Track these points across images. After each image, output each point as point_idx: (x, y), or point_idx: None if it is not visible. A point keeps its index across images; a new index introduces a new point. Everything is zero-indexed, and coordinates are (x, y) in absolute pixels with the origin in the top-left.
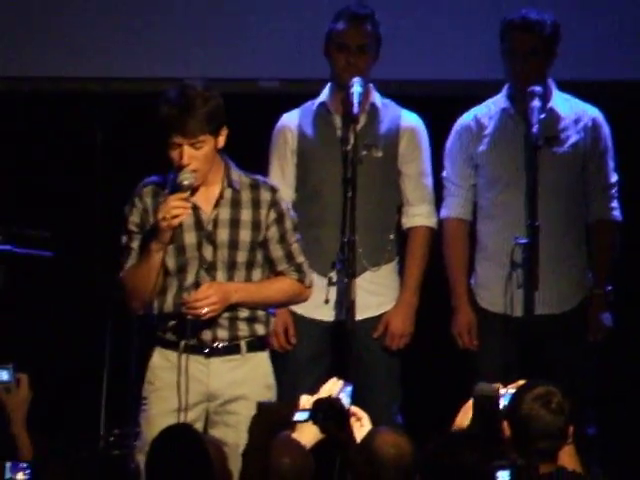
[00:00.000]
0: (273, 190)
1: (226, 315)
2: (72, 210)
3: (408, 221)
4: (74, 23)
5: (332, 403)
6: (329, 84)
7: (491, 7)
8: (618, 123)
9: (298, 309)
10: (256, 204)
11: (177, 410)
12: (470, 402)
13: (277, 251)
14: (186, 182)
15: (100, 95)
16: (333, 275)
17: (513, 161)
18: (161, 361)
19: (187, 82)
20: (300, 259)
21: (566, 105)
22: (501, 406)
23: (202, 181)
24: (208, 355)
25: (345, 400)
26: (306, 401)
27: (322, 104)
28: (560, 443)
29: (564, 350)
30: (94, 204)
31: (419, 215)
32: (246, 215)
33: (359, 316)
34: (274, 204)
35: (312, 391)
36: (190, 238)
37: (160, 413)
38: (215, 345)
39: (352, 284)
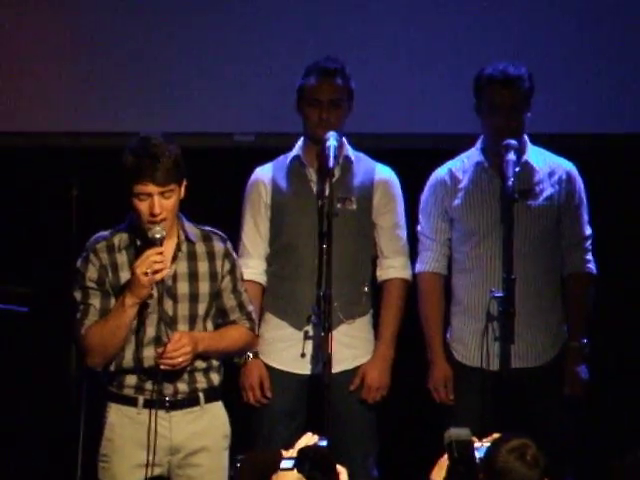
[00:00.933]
0: (224, 240)
1: (185, 367)
2: (48, 265)
3: (383, 273)
4: (47, 78)
5: (318, 451)
6: (302, 138)
7: (465, 61)
8: (592, 176)
9: (274, 363)
10: (211, 256)
11: (143, 466)
12: (444, 457)
13: (230, 301)
14: (158, 235)
15: (74, 150)
16: (309, 329)
17: (488, 215)
18: (119, 418)
19: (147, 134)
20: (250, 307)
21: (540, 158)
22: (477, 459)
23: (168, 233)
24: (169, 409)
25: None
26: (303, 444)
27: (296, 157)
28: None
29: (541, 403)
30: (69, 259)
31: (394, 267)
32: (203, 267)
33: (335, 369)
34: (227, 254)
35: (288, 445)
36: (151, 294)
37: (125, 470)
38: (175, 398)
39: (328, 337)
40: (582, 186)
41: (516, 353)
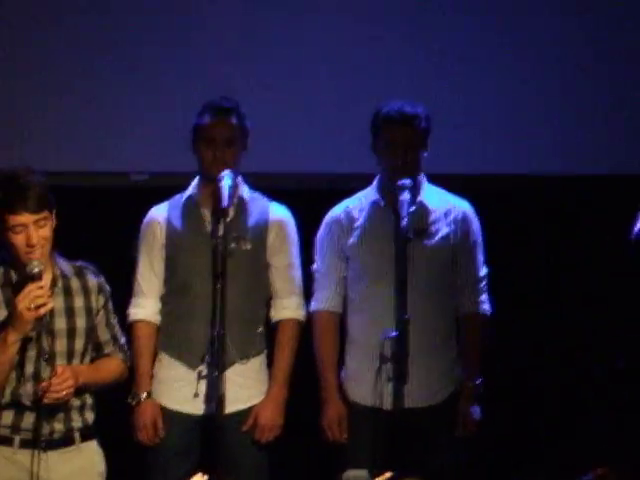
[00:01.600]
0: (97, 274)
1: (62, 405)
2: None
3: (277, 314)
4: None
5: None
6: (197, 177)
7: (358, 99)
8: (489, 215)
9: (167, 402)
10: (86, 290)
11: None
12: None
13: (104, 335)
14: (36, 270)
15: None
16: (203, 368)
17: (383, 254)
18: None
19: (11, 169)
20: (122, 340)
21: (436, 198)
22: None
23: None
24: (46, 449)
25: None
26: None
27: (190, 197)
28: None
29: (434, 443)
30: None
31: (287, 308)
32: (79, 302)
33: (229, 409)
34: (101, 289)
35: None
36: (30, 331)
37: None
38: (52, 438)
39: (221, 377)
40: (478, 226)
41: (409, 392)
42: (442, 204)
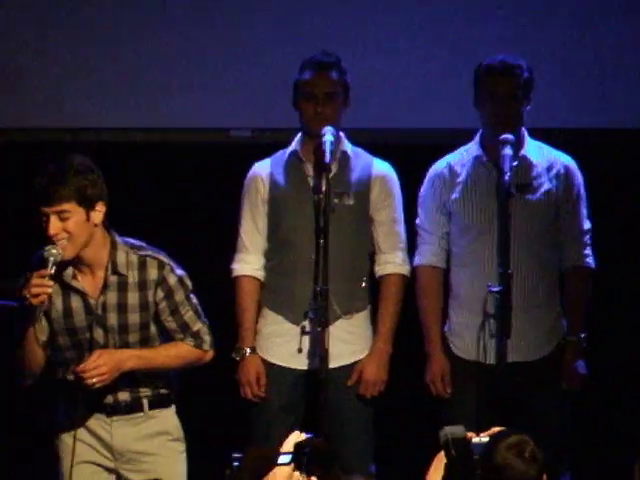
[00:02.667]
0: (161, 266)
1: (126, 376)
2: None
3: (380, 269)
4: (52, 73)
5: (315, 445)
6: (300, 133)
7: (462, 54)
8: (591, 170)
9: (271, 358)
10: (143, 285)
11: (90, 463)
12: (441, 454)
13: (171, 323)
14: (52, 258)
15: (72, 145)
16: (306, 324)
17: (485, 209)
18: (66, 417)
19: (71, 156)
20: (196, 327)
21: (539, 153)
22: (474, 456)
23: (74, 255)
24: (110, 414)
25: None
26: (291, 443)
27: (293, 153)
28: None
29: (538, 398)
30: None
31: (391, 263)
32: (133, 299)
33: (332, 364)
34: (161, 282)
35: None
36: (80, 322)
37: (75, 465)
38: (116, 405)
39: (325, 333)
40: (581, 180)
41: (513, 347)
42: (544, 158)
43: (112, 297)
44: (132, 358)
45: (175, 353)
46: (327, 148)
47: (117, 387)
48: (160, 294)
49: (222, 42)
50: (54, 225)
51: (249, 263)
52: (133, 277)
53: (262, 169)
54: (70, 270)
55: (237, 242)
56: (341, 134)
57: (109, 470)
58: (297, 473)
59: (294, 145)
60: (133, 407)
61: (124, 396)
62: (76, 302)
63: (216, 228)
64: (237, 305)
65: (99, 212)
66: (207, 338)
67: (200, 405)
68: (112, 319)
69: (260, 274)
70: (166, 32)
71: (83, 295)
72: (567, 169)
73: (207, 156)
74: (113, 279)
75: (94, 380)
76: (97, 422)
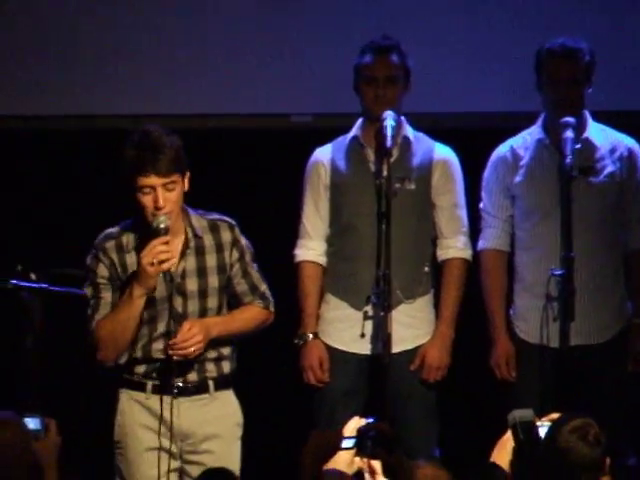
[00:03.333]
0: (232, 227)
1: (196, 357)
2: None
3: (443, 253)
4: (84, 59)
5: (379, 429)
6: (361, 118)
7: (524, 38)
8: None
9: (334, 343)
10: (219, 247)
11: (154, 449)
12: (505, 437)
13: (242, 286)
14: (162, 225)
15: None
16: (368, 309)
17: (549, 192)
18: (129, 403)
19: (148, 127)
20: (262, 287)
21: (602, 135)
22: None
23: (172, 226)
24: (177, 395)
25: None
26: (351, 428)
27: (354, 138)
28: (597, 475)
29: (602, 380)
30: None
31: (454, 247)
32: (211, 261)
33: (395, 349)
34: (235, 243)
35: None
36: (160, 291)
37: (138, 454)
38: (184, 385)
39: (388, 317)
40: None
41: (578, 330)
42: (607, 141)
43: (191, 262)
44: (217, 324)
45: (249, 316)
46: (388, 133)
47: (188, 367)
48: (235, 255)
49: (283, 27)
50: (164, 197)
51: (311, 249)
52: (209, 240)
53: (323, 155)
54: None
55: (299, 228)
56: (402, 118)
57: (173, 455)
58: (357, 459)
59: (355, 130)
60: (200, 388)
61: (192, 376)
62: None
63: (279, 214)
64: (300, 291)
65: (187, 180)
66: (272, 299)
67: (263, 391)
68: (192, 284)
69: (322, 259)
70: (229, 18)
71: (162, 262)
72: (630, 151)
73: (268, 142)
74: (192, 244)
75: (192, 349)
76: (164, 405)
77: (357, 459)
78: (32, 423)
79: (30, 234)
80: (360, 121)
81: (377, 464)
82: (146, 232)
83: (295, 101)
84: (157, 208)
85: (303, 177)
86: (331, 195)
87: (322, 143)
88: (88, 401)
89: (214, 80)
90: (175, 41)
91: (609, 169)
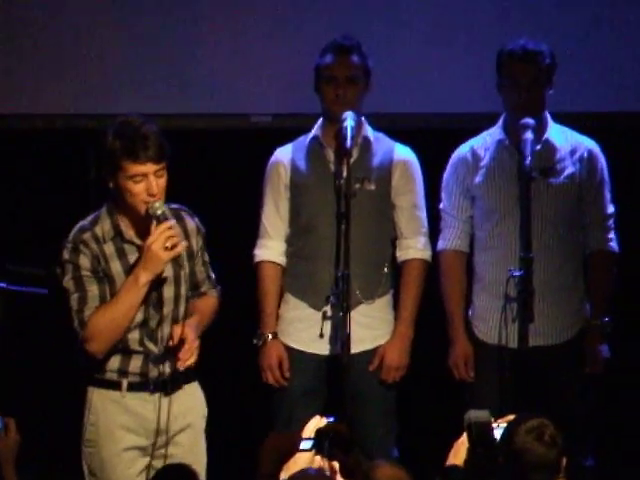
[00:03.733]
0: (192, 215)
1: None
2: None
3: (402, 254)
4: (71, 60)
5: (336, 430)
6: (321, 118)
7: (484, 38)
8: (614, 154)
9: (293, 343)
10: (186, 234)
11: (132, 449)
12: (462, 439)
13: (201, 274)
14: (159, 212)
15: (92, 131)
16: (327, 309)
17: (509, 193)
18: (102, 402)
19: (126, 116)
20: (212, 274)
21: (562, 136)
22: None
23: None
24: (153, 391)
25: None
26: (311, 429)
27: (315, 138)
28: (553, 476)
29: (560, 381)
30: None
31: (413, 248)
32: (182, 248)
33: (354, 349)
34: (198, 230)
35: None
36: None
37: (114, 454)
38: (160, 379)
39: (347, 318)
40: (604, 164)
41: (536, 331)
42: (568, 142)
43: None
44: (199, 326)
45: (212, 310)
46: (348, 133)
47: (162, 359)
48: (200, 242)
49: (242, 26)
50: (157, 184)
51: (271, 249)
52: (176, 228)
53: (283, 155)
54: (128, 230)
55: (259, 228)
56: (362, 119)
57: (144, 451)
58: (318, 457)
59: (315, 130)
60: (173, 382)
61: (167, 370)
62: (135, 260)
63: (239, 214)
64: (259, 290)
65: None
66: (219, 287)
67: (222, 391)
68: (167, 271)
69: (282, 260)
70: (188, 18)
71: (138, 248)
72: (590, 153)
73: (228, 142)
74: None
75: (194, 358)
76: (140, 402)
77: (318, 458)
78: None
79: None
80: (320, 121)
81: (336, 464)
82: (120, 223)
83: (255, 101)
84: (151, 195)
85: (263, 177)
86: (291, 195)
87: (282, 143)
88: (49, 400)
89: (173, 80)
90: (135, 42)
91: (569, 170)
